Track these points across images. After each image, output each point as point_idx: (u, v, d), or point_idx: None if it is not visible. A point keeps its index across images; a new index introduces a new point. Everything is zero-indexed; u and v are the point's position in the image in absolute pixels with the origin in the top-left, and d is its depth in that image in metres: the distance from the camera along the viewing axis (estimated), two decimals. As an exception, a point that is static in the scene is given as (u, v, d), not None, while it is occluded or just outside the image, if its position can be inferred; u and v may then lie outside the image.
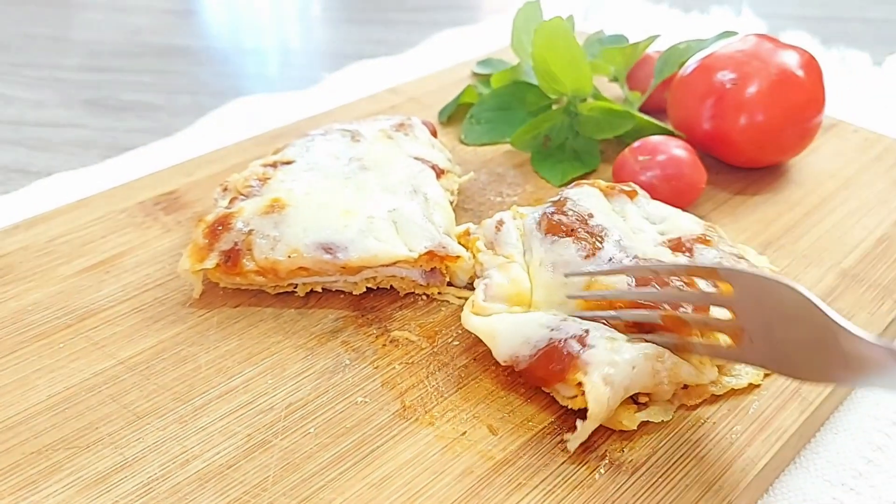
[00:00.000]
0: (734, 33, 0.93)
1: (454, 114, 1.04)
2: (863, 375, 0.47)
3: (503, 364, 0.62)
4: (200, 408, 0.61)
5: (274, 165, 0.79)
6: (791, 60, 0.85)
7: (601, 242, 0.66)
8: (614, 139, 0.94)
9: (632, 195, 0.74)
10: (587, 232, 0.67)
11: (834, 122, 1.01)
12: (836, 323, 0.47)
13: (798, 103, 0.84)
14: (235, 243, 0.69)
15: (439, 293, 0.73)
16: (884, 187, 0.89)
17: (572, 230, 0.67)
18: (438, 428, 0.59)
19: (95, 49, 1.45)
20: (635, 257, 0.65)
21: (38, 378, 0.63)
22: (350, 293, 0.72)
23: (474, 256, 0.72)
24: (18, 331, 0.68)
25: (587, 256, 0.65)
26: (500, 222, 0.73)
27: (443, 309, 0.71)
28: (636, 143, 0.84)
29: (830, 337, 0.48)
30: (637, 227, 0.70)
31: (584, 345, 0.58)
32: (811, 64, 0.86)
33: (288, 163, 0.79)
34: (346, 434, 0.59)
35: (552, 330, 0.60)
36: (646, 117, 0.92)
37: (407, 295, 0.73)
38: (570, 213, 0.70)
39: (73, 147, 1.09)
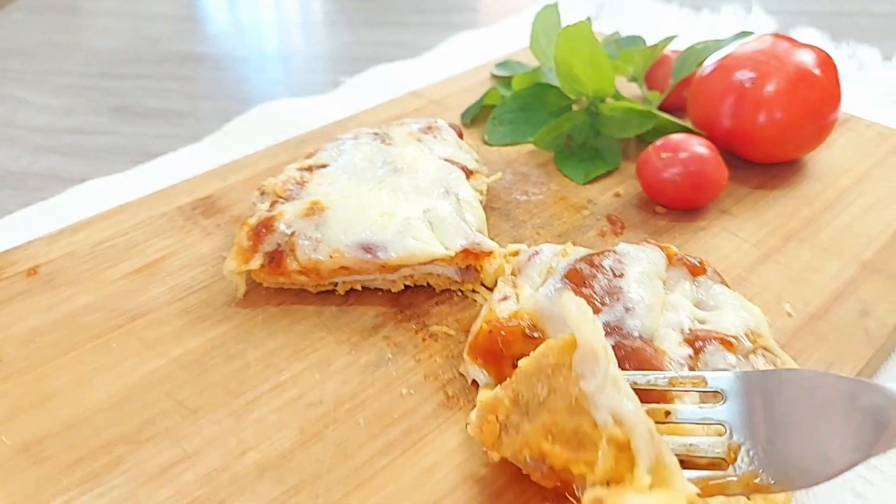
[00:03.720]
0: (750, 33, 0.96)
1: (477, 115, 1.07)
2: None
3: None
4: (252, 402, 0.63)
5: (309, 169, 0.81)
6: (808, 59, 0.87)
7: (603, 305, 0.61)
8: (634, 137, 0.97)
9: (696, 271, 0.67)
10: (600, 290, 0.62)
11: (847, 117, 1.03)
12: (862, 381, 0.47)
13: (815, 101, 0.87)
14: (279, 245, 0.72)
15: (473, 290, 0.75)
16: (899, 181, 0.91)
17: (582, 282, 0.63)
18: (482, 417, 0.62)
19: (118, 56, 1.48)
20: (637, 335, 0.59)
21: (94, 377, 0.66)
22: (388, 291, 0.75)
23: (495, 281, 0.72)
24: (73, 333, 0.71)
25: None
26: (536, 253, 0.70)
27: (477, 304, 0.74)
28: (658, 142, 0.86)
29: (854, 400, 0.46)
30: (674, 304, 0.63)
31: None
32: (827, 62, 0.88)
33: (322, 166, 0.82)
34: (394, 424, 0.61)
35: None
36: (666, 116, 0.94)
37: (443, 292, 0.75)
38: (601, 266, 0.64)
39: (105, 153, 1.12)
